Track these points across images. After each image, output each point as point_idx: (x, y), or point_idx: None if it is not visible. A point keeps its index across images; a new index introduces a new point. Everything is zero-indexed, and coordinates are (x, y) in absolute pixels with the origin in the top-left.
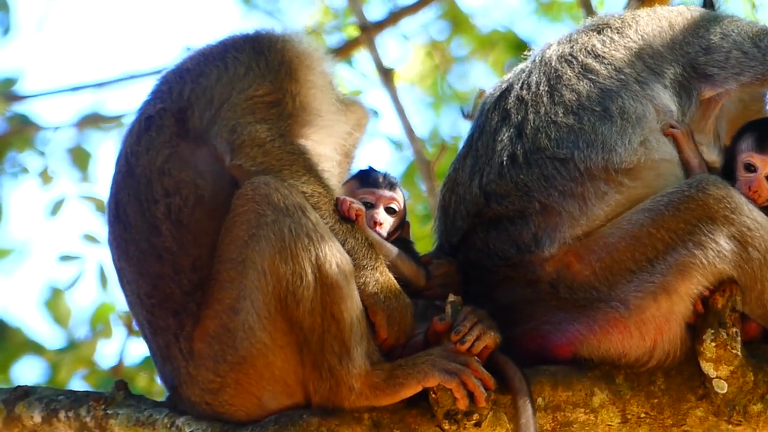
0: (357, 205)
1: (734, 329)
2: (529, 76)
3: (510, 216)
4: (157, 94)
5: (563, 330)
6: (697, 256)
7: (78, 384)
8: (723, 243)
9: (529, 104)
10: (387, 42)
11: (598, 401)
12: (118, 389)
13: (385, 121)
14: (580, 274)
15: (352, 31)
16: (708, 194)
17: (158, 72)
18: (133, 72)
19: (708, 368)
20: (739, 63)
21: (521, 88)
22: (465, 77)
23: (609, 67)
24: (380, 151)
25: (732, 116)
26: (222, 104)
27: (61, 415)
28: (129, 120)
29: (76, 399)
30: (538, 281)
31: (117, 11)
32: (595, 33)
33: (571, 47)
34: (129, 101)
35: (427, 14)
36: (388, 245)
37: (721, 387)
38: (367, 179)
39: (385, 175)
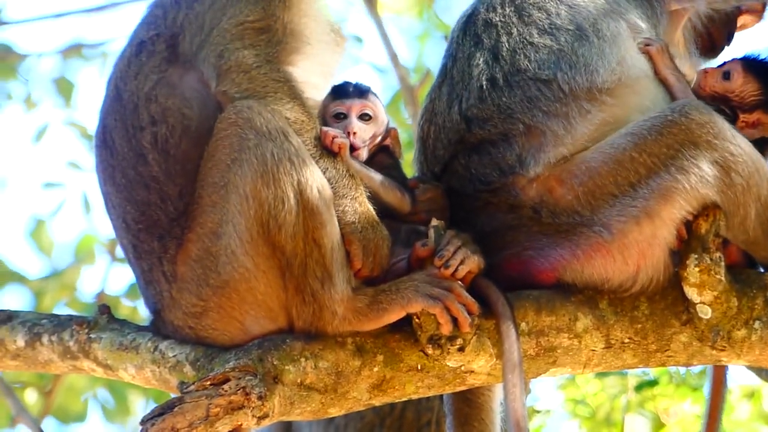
0: (341, 139)
1: (718, 254)
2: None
3: (493, 139)
4: (151, 19)
5: (546, 255)
6: (680, 180)
7: (61, 312)
8: (706, 168)
9: (499, 26)
10: None
11: (582, 326)
12: (101, 313)
13: (369, 48)
14: (562, 199)
15: None
16: (691, 119)
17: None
18: (117, 0)
19: (692, 293)
20: None
21: (487, 11)
22: (450, 9)
23: None
24: (364, 79)
25: (700, 26)
26: (212, 29)
27: (44, 339)
28: (111, 48)
29: (60, 323)
30: (521, 206)
31: None
32: None
33: None
34: (112, 29)
35: None
36: (372, 173)
37: (705, 312)
38: (338, 91)
39: (355, 85)
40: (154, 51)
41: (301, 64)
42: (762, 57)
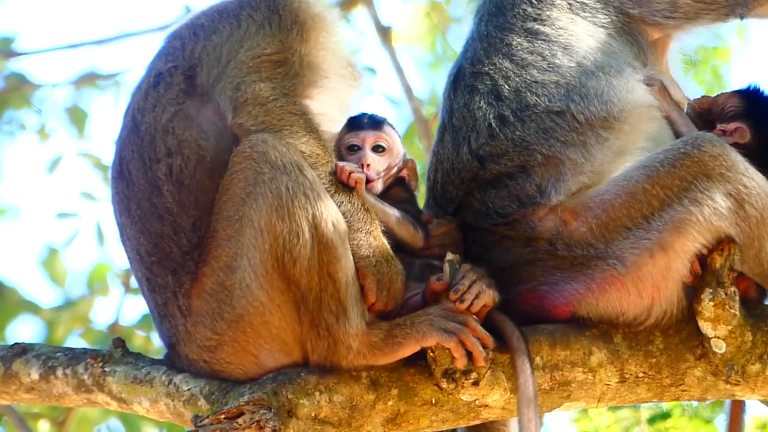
0: (357, 174)
1: (732, 288)
2: (474, 54)
3: (510, 172)
4: (169, 51)
5: (561, 290)
6: (693, 213)
7: (74, 342)
8: (719, 200)
9: (492, 73)
10: (385, 1)
11: (597, 360)
12: (115, 347)
13: (383, 80)
14: (576, 231)
15: None
16: (704, 151)
17: (156, 30)
18: (130, 30)
19: (706, 328)
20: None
21: (473, 65)
22: (463, 38)
23: (552, 26)
24: (378, 110)
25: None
26: (229, 61)
27: (59, 372)
28: (125, 78)
29: (74, 356)
30: (537, 239)
31: None
32: None
33: (504, 14)
34: (125, 59)
35: None
36: (387, 208)
37: (720, 347)
38: (352, 123)
39: (370, 116)
40: (172, 83)
41: (317, 97)
42: (754, 86)
